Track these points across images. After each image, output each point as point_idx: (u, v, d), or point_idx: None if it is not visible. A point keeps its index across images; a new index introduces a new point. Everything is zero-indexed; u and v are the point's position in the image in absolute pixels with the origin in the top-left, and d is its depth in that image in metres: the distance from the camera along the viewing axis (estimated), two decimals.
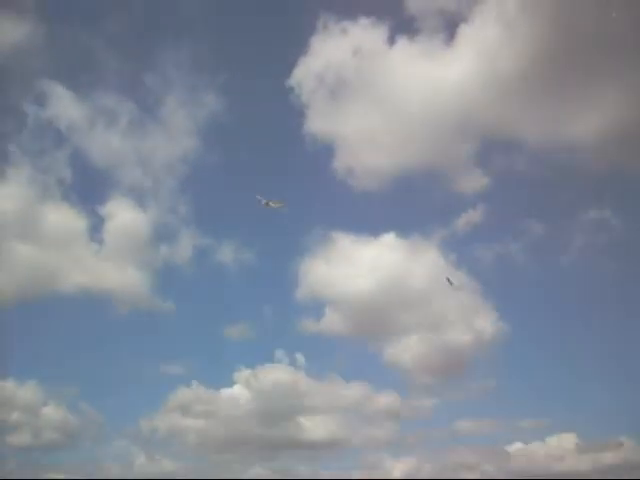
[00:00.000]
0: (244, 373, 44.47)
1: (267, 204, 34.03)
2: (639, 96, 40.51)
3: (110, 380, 43.90)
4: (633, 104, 40.55)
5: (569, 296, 46.34)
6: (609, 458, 39.60)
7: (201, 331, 46.16)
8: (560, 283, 46.90)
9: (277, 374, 44.75)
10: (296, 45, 47.54)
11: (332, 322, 45.30)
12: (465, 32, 45.53)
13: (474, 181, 46.77)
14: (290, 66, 46.92)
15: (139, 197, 47.96)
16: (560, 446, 40.65)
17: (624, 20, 40.53)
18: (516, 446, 41.51)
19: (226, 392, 44.65)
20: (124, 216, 46.56)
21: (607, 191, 46.25)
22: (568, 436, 40.65)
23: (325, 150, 47.40)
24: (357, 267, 45.84)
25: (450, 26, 45.93)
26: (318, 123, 47.21)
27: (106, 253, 46.15)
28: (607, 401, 39.62)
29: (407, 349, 44.85)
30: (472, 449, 42.29)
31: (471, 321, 44.82)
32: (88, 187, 48.49)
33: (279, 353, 44.86)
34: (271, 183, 47.09)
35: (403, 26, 46.99)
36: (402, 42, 46.89)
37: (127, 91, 48.91)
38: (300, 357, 44.83)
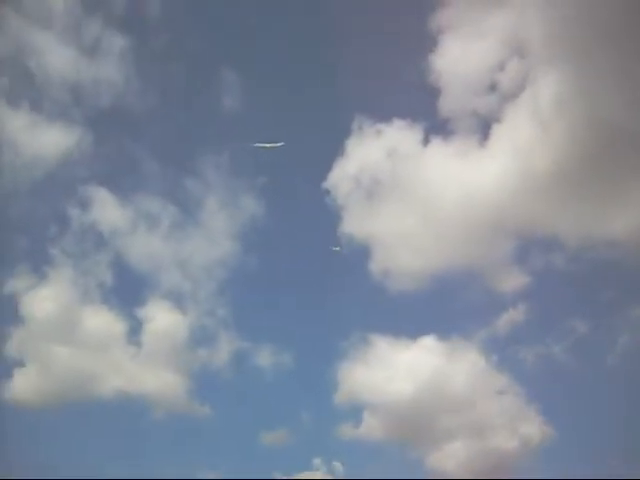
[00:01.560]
0: None
1: (264, 147, 34.03)
2: None
3: None
4: None
5: (617, 397, 43.83)
6: None
7: (237, 437, 44.82)
8: (607, 383, 44.47)
9: None
10: (332, 147, 48.07)
11: (371, 428, 43.98)
12: (499, 132, 46.25)
13: (513, 280, 45.81)
14: (326, 168, 47.54)
15: (178, 300, 47.88)
16: None
17: None
18: None
19: None
20: (162, 319, 46.62)
21: None
22: None
23: (361, 252, 47.11)
24: (396, 371, 44.82)
25: (484, 126, 46.64)
26: (354, 225, 47.27)
27: (144, 356, 46.00)
28: None
29: (450, 456, 42.99)
30: None
31: (515, 426, 43.29)
32: (128, 290, 48.37)
33: (316, 461, 43.62)
34: (307, 286, 46.87)
35: (437, 127, 47.53)
36: (436, 143, 47.48)
37: (168, 195, 49.49)
38: (338, 465, 43.36)
